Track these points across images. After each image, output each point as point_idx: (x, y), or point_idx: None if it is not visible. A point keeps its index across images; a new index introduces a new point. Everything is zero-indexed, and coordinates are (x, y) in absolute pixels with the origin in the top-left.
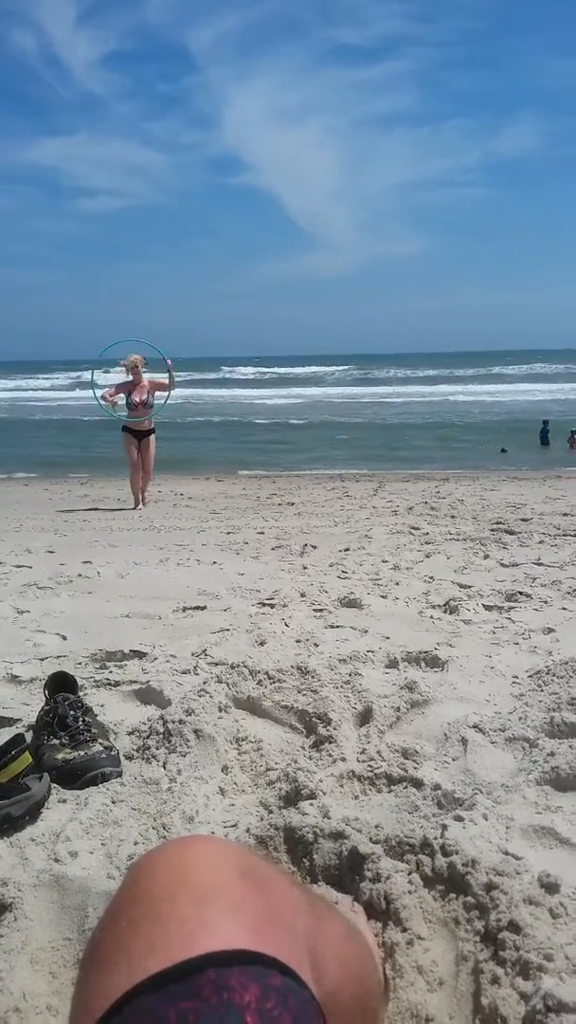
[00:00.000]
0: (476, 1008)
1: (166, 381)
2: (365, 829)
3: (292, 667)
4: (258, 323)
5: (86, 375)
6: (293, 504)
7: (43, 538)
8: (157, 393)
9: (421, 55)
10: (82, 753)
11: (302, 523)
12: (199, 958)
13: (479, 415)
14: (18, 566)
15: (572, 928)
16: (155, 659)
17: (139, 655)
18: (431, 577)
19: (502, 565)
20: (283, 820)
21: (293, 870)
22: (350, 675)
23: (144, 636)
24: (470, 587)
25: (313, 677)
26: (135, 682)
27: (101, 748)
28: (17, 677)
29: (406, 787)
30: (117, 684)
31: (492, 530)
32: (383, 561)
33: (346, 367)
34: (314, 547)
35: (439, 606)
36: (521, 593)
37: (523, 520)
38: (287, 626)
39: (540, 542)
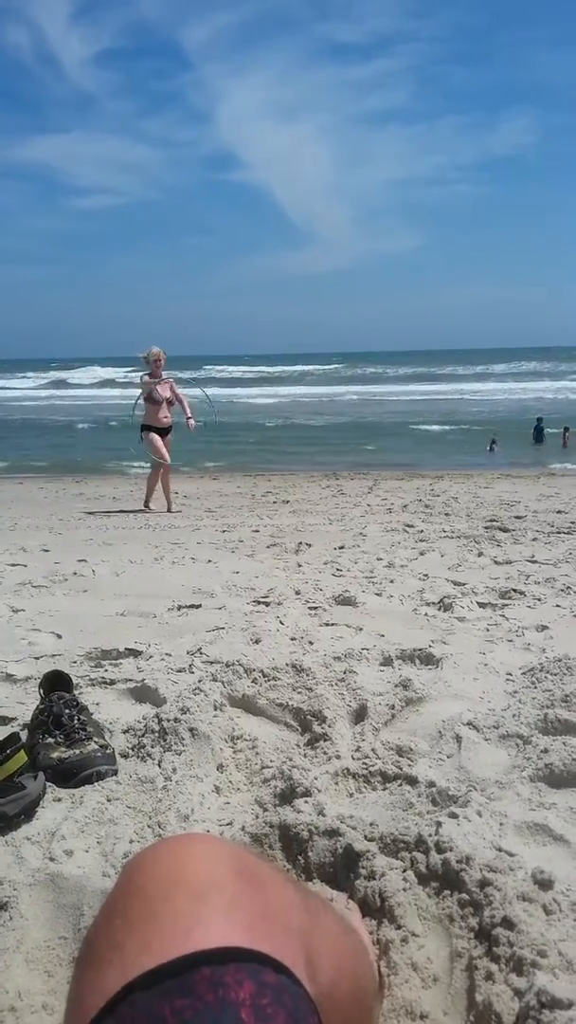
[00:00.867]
0: (470, 1005)
1: (180, 395)
2: (360, 827)
3: (287, 665)
4: (251, 321)
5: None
6: (288, 502)
7: (38, 536)
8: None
9: (415, 51)
10: (77, 752)
11: (297, 521)
12: (194, 955)
13: (463, 414)
14: (13, 564)
15: (566, 924)
16: (150, 657)
17: (134, 653)
18: (425, 575)
19: (496, 563)
20: (278, 818)
21: (288, 868)
22: (345, 673)
23: (139, 634)
24: (464, 584)
25: (308, 675)
26: (130, 680)
27: (96, 747)
28: (12, 676)
29: (400, 784)
30: (112, 682)
31: (486, 528)
32: (378, 559)
33: (333, 365)
34: (309, 545)
35: (433, 603)
36: (515, 590)
37: (517, 517)
38: (282, 624)
39: (534, 539)
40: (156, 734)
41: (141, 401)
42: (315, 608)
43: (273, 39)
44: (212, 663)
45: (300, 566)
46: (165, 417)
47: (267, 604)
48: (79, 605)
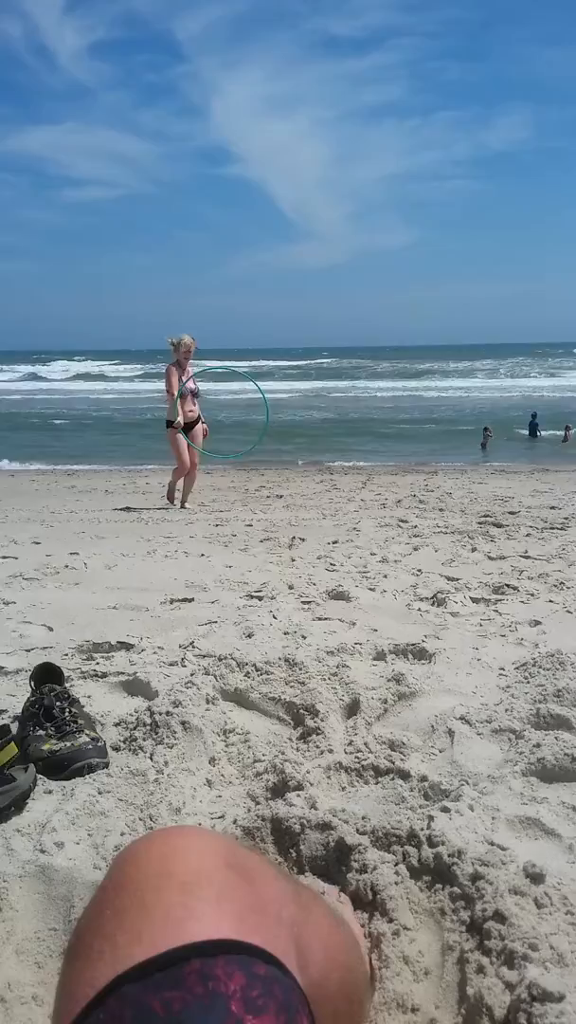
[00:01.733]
0: (462, 998)
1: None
2: (352, 820)
3: (280, 659)
4: (246, 315)
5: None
6: (281, 496)
7: (29, 529)
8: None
9: (411, 46)
10: (68, 744)
11: (290, 515)
12: (184, 947)
13: (449, 410)
14: (4, 557)
15: (557, 918)
16: (142, 651)
17: (126, 647)
18: (419, 570)
19: (489, 558)
20: (270, 811)
21: (280, 861)
22: (338, 667)
23: (131, 628)
24: (458, 580)
25: (301, 669)
26: (122, 673)
27: (87, 739)
28: (3, 668)
29: (393, 778)
30: (104, 675)
31: (480, 523)
32: (371, 554)
33: (320, 360)
34: (302, 539)
35: (427, 599)
36: (508, 586)
37: (511, 513)
38: (275, 618)
39: (527, 535)
40: (148, 727)
41: (170, 392)
42: (308, 602)
43: (267, 32)
44: (204, 657)
45: (293, 560)
46: (191, 411)
47: (260, 598)
48: (71, 598)
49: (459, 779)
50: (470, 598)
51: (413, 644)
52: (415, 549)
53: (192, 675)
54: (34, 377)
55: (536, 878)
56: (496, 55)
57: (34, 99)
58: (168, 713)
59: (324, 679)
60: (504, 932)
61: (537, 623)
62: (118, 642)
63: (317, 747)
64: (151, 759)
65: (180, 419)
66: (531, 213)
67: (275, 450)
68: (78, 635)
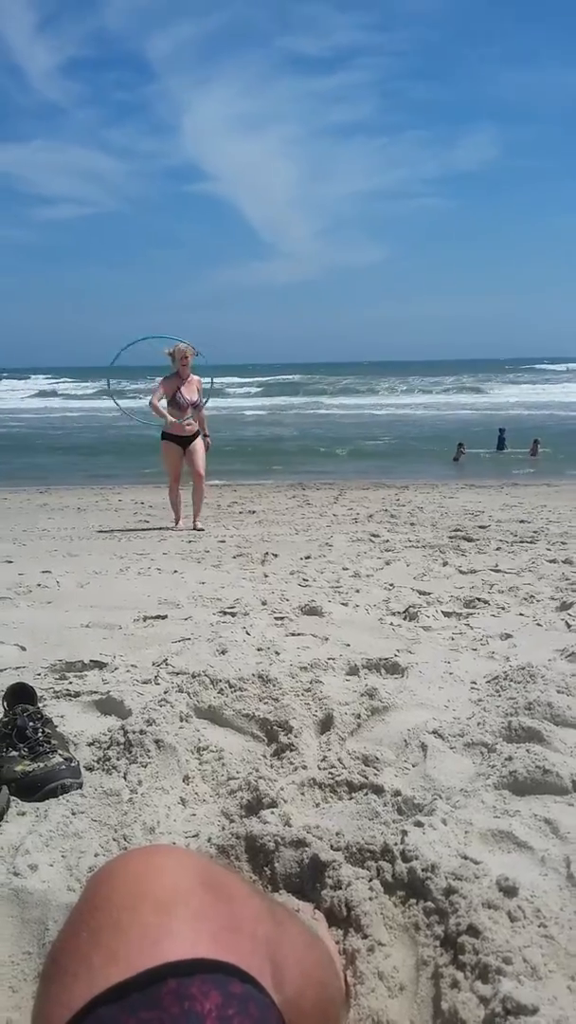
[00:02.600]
0: (436, 1012)
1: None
2: (326, 836)
3: (253, 675)
4: (218, 331)
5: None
6: (254, 512)
7: (1, 548)
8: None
9: (379, 65)
10: (41, 765)
11: (263, 531)
12: (160, 967)
13: (412, 425)
14: None
15: (530, 931)
16: (115, 669)
17: (99, 665)
18: (391, 584)
19: (460, 572)
20: (244, 829)
21: (254, 879)
22: (311, 683)
23: (104, 646)
24: (429, 594)
25: (274, 685)
26: (95, 692)
27: (61, 759)
28: None
29: (367, 794)
30: (77, 695)
31: (451, 537)
32: (344, 569)
33: (287, 376)
34: (275, 555)
35: (399, 613)
36: (479, 599)
37: (481, 527)
38: (248, 634)
39: (498, 549)
40: (121, 746)
41: (155, 405)
42: (281, 618)
43: (237, 51)
44: (178, 674)
45: (266, 576)
46: (188, 424)
47: (233, 614)
48: (43, 616)
49: (432, 793)
50: (442, 612)
51: (386, 659)
52: (387, 563)
53: (166, 693)
54: None
55: (509, 891)
56: (462, 76)
57: (4, 117)
58: (142, 732)
59: (297, 695)
60: (478, 946)
61: (508, 636)
62: (91, 661)
63: (291, 763)
64: (125, 778)
65: (168, 424)
66: (498, 231)
67: (248, 471)
68: (51, 654)
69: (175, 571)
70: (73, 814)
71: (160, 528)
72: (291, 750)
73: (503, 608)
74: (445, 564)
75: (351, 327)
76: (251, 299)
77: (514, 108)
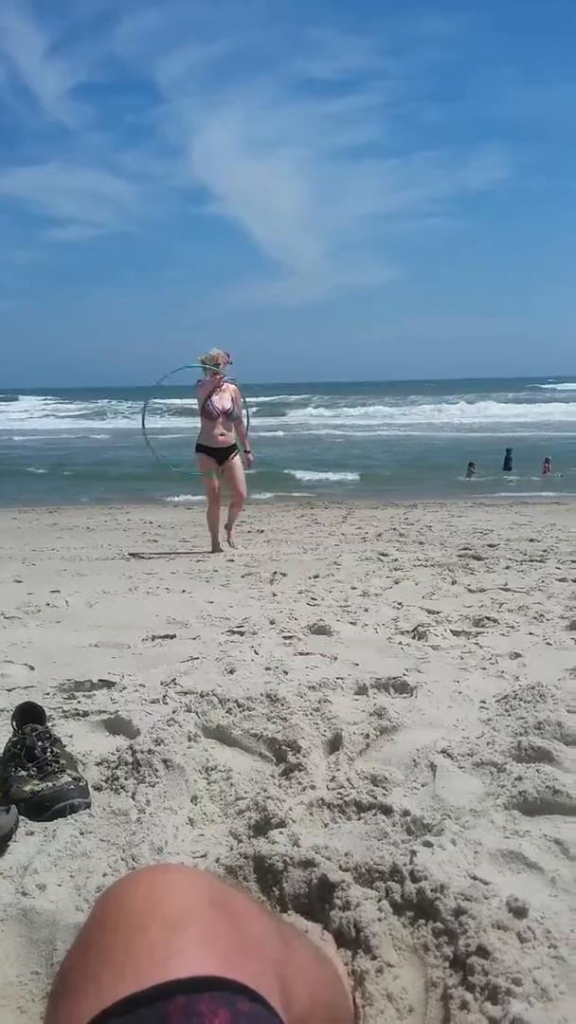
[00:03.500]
0: None
1: (242, 413)
2: (335, 857)
3: (261, 695)
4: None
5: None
6: (262, 531)
7: (10, 567)
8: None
9: (389, 88)
10: (50, 784)
11: (271, 550)
12: (169, 984)
13: (421, 445)
14: None
15: (540, 952)
16: (124, 689)
17: (108, 685)
18: (400, 603)
19: (469, 591)
20: (252, 849)
21: (263, 899)
22: (319, 702)
23: (113, 665)
24: (438, 613)
25: (282, 705)
26: (104, 712)
27: (69, 779)
28: None
29: (375, 814)
30: (86, 714)
31: (460, 556)
32: (352, 588)
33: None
34: (283, 574)
35: (408, 632)
36: (488, 618)
37: (490, 546)
38: (256, 654)
39: (507, 568)
40: (130, 766)
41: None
42: (290, 637)
43: (247, 75)
44: (186, 694)
45: (275, 595)
46: (222, 435)
47: (242, 634)
48: (52, 636)
49: (441, 813)
50: (451, 631)
51: (394, 678)
52: (396, 583)
53: (174, 712)
54: None
55: (519, 912)
56: (472, 97)
57: (17, 141)
58: (150, 751)
59: (306, 714)
60: (487, 967)
61: (517, 655)
62: (100, 680)
63: (299, 783)
64: (133, 798)
65: (209, 441)
66: (509, 250)
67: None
68: (60, 674)
69: (184, 591)
70: (81, 834)
71: (174, 553)
72: (299, 770)
73: (512, 627)
74: (454, 583)
75: (361, 347)
76: (261, 320)
77: (524, 128)
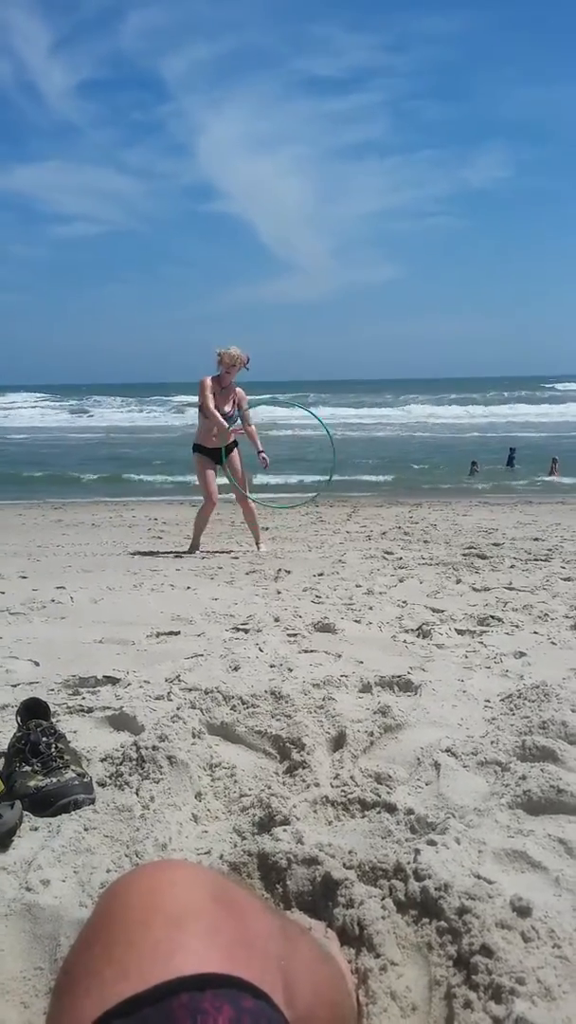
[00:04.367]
0: None
1: (248, 415)
2: (338, 855)
3: (266, 692)
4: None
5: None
6: (267, 529)
7: (15, 563)
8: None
9: (391, 86)
10: (54, 780)
11: (276, 548)
12: (172, 982)
13: (423, 443)
14: None
15: (544, 951)
16: (128, 685)
17: (112, 681)
18: (404, 602)
19: (474, 589)
20: (256, 846)
21: (266, 896)
22: (324, 700)
23: (117, 662)
24: (443, 611)
25: (287, 702)
26: (108, 708)
27: (74, 775)
28: None
29: (379, 812)
30: (90, 710)
31: (464, 555)
32: (357, 586)
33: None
34: (288, 572)
35: (412, 630)
36: (493, 617)
37: (495, 545)
38: (261, 651)
39: (511, 566)
40: (134, 762)
41: (205, 406)
42: (294, 635)
43: (251, 72)
44: (191, 690)
45: (279, 593)
46: (216, 436)
47: (246, 631)
48: (57, 632)
49: (445, 812)
50: (455, 630)
51: (399, 676)
52: (400, 581)
53: (178, 709)
54: None
55: (523, 911)
56: (474, 95)
57: (22, 137)
58: (154, 748)
59: (310, 712)
60: (491, 966)
61: (522, 654)
62: (104, 676)
63: (303, 781)
64: (137, 794)
65: (217, 431)
66: (511, 249)
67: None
68: (64, 670)
69: (188, 587)
70: (85, 830)
71: (201, 553)
72: (303, 767)
73: (517, 626)
74: (459, 582)
75: (364, 344)
76: (264, 317)
77: (527, 127)
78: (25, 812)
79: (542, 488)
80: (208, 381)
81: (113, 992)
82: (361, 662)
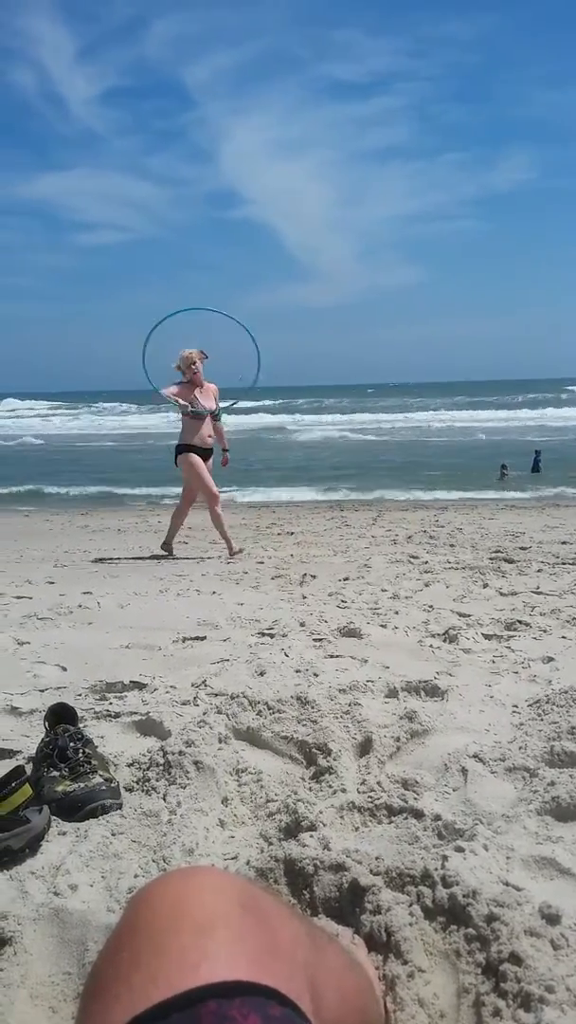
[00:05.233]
0: None
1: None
2: (365, 861)
3: (292, 697)
4: (251, 354)
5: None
6: (292, 533)
7: (43, 569)
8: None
9: (414, 90)
10: (82, 785)
11: (301, 552)
12: (200, 988)
13: (448, 446)
14: (18, 597)
15: (573, 959)
16: (155, 690)
17: (139, 686)
18: (430, 606)
19: (501, 594)
20: (283, 852)
21: (293, 902)
22: (350, 705)
23: (144, 667)
24: (469, 616)
25: (313, 707)
26: (135, 713)
27: (101, 780)
28: (17, 708)
29: (406, 818)
30: (117, 715)
31: (491, 559)
32: (382, 590)
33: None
34: (313, 576)
35: (438, 635)
36: (520, 622)
37: (522, 548)
38: (287, 656)
39: (539, 571)
40: (161, 767)
41: (170, 392)
42: (320, 640)
43: (274, 78)
44: (217, 695)
45: (305, 598)
46: (209, 436)
47: (272, 636)
48: (84, 637)
49: (473, 818)
50: (482, 634)
51: (425, 681)
52: (426, 585)
53: (204, 714)
54: None
55: (552, 919)
56: (498, 98)
57: (47, 146)
58: (181, 753)
59: (336, 717)
60: (520, 974)
61: (550, 659)
62: (131, 682)
63: (330, 787)
64: (164, 800)
65: (182, 408)
66: (536, 251)
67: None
68: (91, 675)
69: (214, 592)
70: (113, 835)
71: (171, 556)
72: (330, 773)
73: (545, 631)
74: (485, 586)
75: (387, 347)
76: (289, 321)
77: (551, 128)
78: (53, 817)
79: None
80: (176, 385)
81: (142, 998)
82: (387, 667)
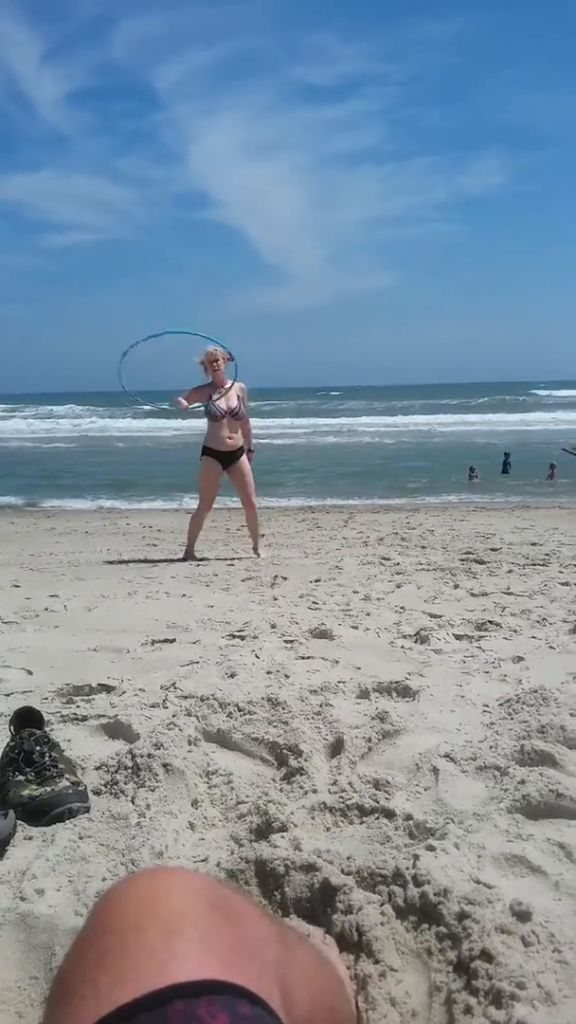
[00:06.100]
0: None
1: (245, 412)
2: (337, 861)
3: (263, 699)
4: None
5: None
6: (263, 535)
7: (9, 572)
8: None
9: (387, 93)
10: (48, 789)
11: (272, 554)
12: (167, 988)
13: (417, 448)
14: None
15: (544, 956)
16: (123, 693)
17: (107, 689)
18: (402, 607)
19: (472, 595)
20: (254, 853)
21: (264, 903)
22: (321, 706)
23: (112, 670)
24: (440, 617)
25: (284, 708)
26: (103, 716)
27: (68, 784)
28: None
29: (378, 818)
30: (84, 719)
31: (462, 560)
32: (354, 592)
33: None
34: (284, 578)
35: (410, 636)
36: (491, 622)
37: (492, 550)
38: (257, 658)
39: (509, 571)
40: (129, 770)
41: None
42: (291, 641)
43: (245, 80)
44: (186, 698)
45: (276, 599)
46: (230, 438)
47: (242, 638)
48: (50, 641)
49: (444, 817)
50: (453, 635)
51: (397, 682)
52: (398, 587)
53: (174, 716)
54: None
55: (523, 916)
56: (470, 102)
57: (13, 147)
58: (150, 755)
59: (307, 718)
60: (491, 971)
61: (520, 659)
62: (99, 684)
63: (301, 787)
64: (133, 802)
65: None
66: (507, 255)
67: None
68: (58, 678)
69: (184, 594)
70: (80, 838)
71: (164, 560)
72: (301, 774)
73: (515, 631)
74: (456, 587)
75: (359, 351)
76: (258, 325)
77: (523, 133)
78: (19, 821)
79: (539, 493)
80: (192, 389)
81: (108, 999)
82: (359, 668)
